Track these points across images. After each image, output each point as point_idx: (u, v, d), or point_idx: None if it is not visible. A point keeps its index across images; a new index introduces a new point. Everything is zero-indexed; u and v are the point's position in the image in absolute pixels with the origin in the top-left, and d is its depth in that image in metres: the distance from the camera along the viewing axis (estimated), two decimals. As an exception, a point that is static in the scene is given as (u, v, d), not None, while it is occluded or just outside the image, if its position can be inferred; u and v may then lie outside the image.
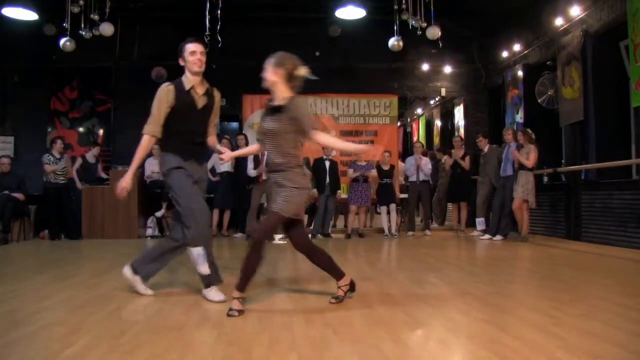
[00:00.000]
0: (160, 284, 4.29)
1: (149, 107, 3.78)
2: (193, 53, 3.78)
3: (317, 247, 3.73)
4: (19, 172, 9.39)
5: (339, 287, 3.69)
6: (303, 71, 3.56)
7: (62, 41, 9.13)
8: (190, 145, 3.85)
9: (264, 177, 8.90)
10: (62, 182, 9.25)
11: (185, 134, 3.80)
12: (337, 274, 3.71)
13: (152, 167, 9.41)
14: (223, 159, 4.00)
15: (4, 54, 10.77)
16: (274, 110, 3.52)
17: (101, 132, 11.34)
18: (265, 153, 9.18)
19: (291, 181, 3.46)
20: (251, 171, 9.12)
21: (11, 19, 9.16)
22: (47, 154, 9.28)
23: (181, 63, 3.83)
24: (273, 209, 3.46)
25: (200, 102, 3.88)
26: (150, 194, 9.53)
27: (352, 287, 3.75)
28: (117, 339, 2.75)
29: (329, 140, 3.93)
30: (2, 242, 8.34)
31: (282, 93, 3.52)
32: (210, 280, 3.79)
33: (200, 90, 3.87)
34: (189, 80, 3.83)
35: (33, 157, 10.73)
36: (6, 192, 8.68)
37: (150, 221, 9.66)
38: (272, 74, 3.52)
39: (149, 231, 9.64)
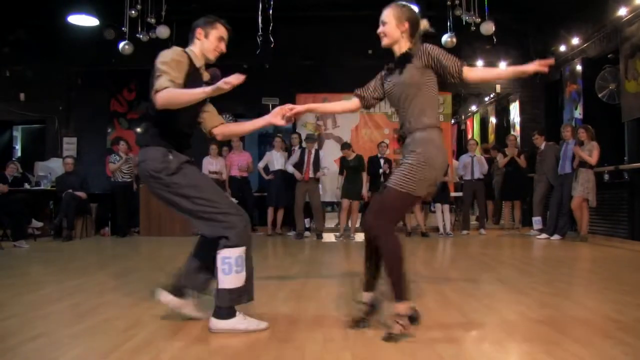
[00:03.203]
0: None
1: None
2: (221, 40, 3.07)
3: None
4: (82, 171, 9.77)
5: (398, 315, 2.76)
6: (425, 24, 3.02)
7: (121, 45, 9.43)
8: (186, 140, 3.08)
9: (310, 175, 8.97)
10: (129, 180, 9.66)
11: (184, 125, 3.02)
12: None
13: (209, 166, 9.64)
14: (291, 109, 3.04)
15: (69, 58, 11.23)
16: (401, 62, 2.92)
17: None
18: (312, 153, 9.41)
19: (424, 149, 2.78)
20: (289, 167, 9.19)
21: (75, 25, 9.56)
22: (113, 154, 9.73)
23: (199, 36, 3.04)
24: (387, 185, 2.81)
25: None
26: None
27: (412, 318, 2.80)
28: (174, 334, 2.83)
29: (488, 74, 3.16)
30: (66, 239, 8.70)
31: (403, 50, 2.95)
32: (242, 298, 2.87)
33: (205, 75, 3.13)
34: (199, 59, 3.04)
35: (94, 157, 11.18)
36: (70, 190, 9.03)
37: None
38: (395, 28, 2.92)
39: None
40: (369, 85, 3.14)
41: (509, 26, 10.75)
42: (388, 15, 2.92)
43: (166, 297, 3.05)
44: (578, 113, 9.80)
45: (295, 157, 9.19)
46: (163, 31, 9.16)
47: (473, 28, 8.90)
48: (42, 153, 11.55)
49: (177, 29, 9.74)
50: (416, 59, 2.87)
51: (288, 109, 3.01)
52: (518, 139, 11.19)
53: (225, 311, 2.81)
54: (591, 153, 7.84)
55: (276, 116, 3.03)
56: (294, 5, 10.22)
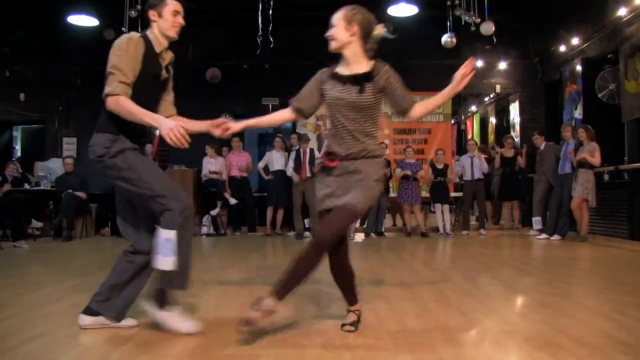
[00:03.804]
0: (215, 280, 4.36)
1: (203, 109, 3.32)
2: (176, 14, 2.91)
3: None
4: (82, 171, 9.76)
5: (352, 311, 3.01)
6: (380, 29, 2.84)
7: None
8: (141, 129, 2.93)
9: (307, 174, 8.97)
10: None
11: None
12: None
13: (209, 166, 9.65)
14: (228, 128, 2.93)
15: (69, 58, 11.22)
16: (358, 79, 2.76)
17: (157, 133, 11.62)
18: (307, 152, 9.43)
19: (375, 172, 2.77)
20: (289, 170, 9.20)
21: (75, 25, 9.56)
22: None
23: (152, 18, 2.92)
24: (348, 203, 2.70)
25: (163, 73, 3.01)
26: (206, 193, 9.74)
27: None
28: (173, 336, 2.82)
29: (429, 106, 2.94)
30: (66, 239, 8.70)
31: (357, 57, 2.80)
32: (173, 283, 2.80)
33: (166, 58, 3.00)
34: (159, 42, 2.92)
35: (93, 157, 11.14)
36: (70, 191, 9.03)
37: (206, 219, 9.86)
38: (343, 31, 2.76)
39: (204, 229, 9.83)
40: (304, 95, 2.92)
41: (509, 26, 10.75)
42: (337, 17, 2.79)
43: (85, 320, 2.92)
44: (578, 113, 9.80)
45: (291, 162, 9.22)
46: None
47: (473, 28, 8.91)
48: (42, 153, 11.55)
49: (177, 29, 9.76)
50: (376, 80, 2.78)
51: (225, 127, 2.92)
52: (517, 140, 11.20)
53: (159, 294, 2.86)
54: (593, 154, 7.84)
55: (214, 128, 2.97)
56: (294, 5, 10.21)
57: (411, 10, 9.11)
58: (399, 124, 11.00)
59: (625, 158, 8.45)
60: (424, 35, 10.57)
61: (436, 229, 9.73)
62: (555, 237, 8.43)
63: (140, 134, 2.94)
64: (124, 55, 2.74)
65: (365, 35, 2.78)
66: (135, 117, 2.70)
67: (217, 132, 2.95)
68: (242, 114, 11.14)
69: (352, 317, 2.95)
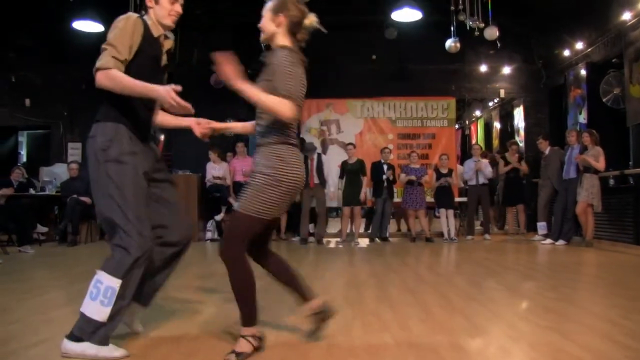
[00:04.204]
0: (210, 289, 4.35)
1: (207, 113, 3.03)
2: (174, 1, 2.74)
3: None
4: (86, 176, 9.76)
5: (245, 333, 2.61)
6: (312, 20, 2.67)
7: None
8: (146, 115, 2.77)
9: (315, 181, 8.99)
10: None
11: (142, 99, 2.63)
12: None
13: (213, 172, 9.66)
14: (208, 128, 2.86)
15: (74, 64, 11.27)
16: (263, 63, 2.63)
17: (162, 137, 11.68)
18: (315, 158, 9.43)
19: (265, 164, 2.54)
20: None
21: (80, 31, 9.61)
22: None
23: (149, 3, 2.73)
24: (236, 209, 2.59)
25: (163, 59, 2.86)
26: (210, 198, 9.74)
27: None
28: (177, 341, 2.82)
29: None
30: (71, 244, 8.71)
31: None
32: (92, 336, 2.46)
33: (166, 44, 2.86)
34: (157, 27, 2.75)
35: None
36: (75, 196, 9.05)
37: (210, 224, 9.86)
38: (269, 22, 2.63)
39: (209, 234, 9.83)
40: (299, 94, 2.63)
41: (513, 31, 10.75)
42: (265, 8, 2.64)
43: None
44: (582, 118, 9.78)
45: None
46: (167, 36, 9.19)
47: (477, 33, 8.90)
48: (47, 158, 11.58)
49: (181, 34, 9.79)
50: (266, 63, 2.59)
51: (205, 127, 2.84)
52: (522, 145, 11.20)
53: (75, 337, 2.48)
54: (597, 159, 7.81)
55: (195, 125, 2.85)
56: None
57: (415, 15, 9.10)
58: (403, 128, 10.98)
59: (630, 163, 8.43)
60: (428, 40, 10.57)
61: (441, 234, 9.71)
62: (560, 242, 8.40)
63: (145, 124, 2.76)
64: (119, 32, 2.55)
65: (293, 25, 2.62)
66: (129, 88, 2.50)
67: (197, 130, 2.84)
68: (246, 119, 11.20)
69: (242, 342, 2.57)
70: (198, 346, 2.72)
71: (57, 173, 10.24)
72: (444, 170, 9.66)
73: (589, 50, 9.65)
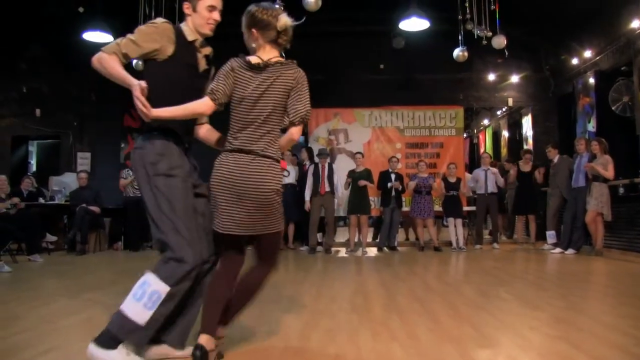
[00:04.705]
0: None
1: (214, 120, 2.92)
2: (212, 9, 2.69)
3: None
4: (95, 186, 9.84)
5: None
6: (284, 21, 2.57)
7: (135, 60, 9.52)
8: (188, 128, 2.75)
9: (326, 189, 8.99)
10: (140, 195, 9.68)
11: (182, 103, 2.52)
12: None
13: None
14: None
15: (83, 74, 11.36)
16: (276, 70, 2.53)
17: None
18: (326, 169, 9.43)
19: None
20: (307, 190, 9.15)
21: (90, 42, 9.70)
22: (126, 169, 9.80)
23: (186, 11, 2.71)
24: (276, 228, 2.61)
25: (202, 64, 2.78)
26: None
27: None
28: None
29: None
30: (80, 253, 8.75)
31: (270, 55, 2.58)
32: (130, 337, 2.38)
33: (204, 50, 2.79)
34: (193, 33, 2.72)
35: (108, 171, 11.26)
36: (84, 205, 9.10)
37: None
38: (248, 40, 2.63)
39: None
40: (219, 88, 2.53)
41: (521, 40, 10.76)
42: (242, 26, 2.63)
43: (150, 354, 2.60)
44: (591, 126, 9.74)
45: (310, 177, 9.17)
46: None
47: (484, 42, 8.90)
48: (57, 168, 11.68)
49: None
50: (292, 75, 2.55)
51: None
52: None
53: (108, 337, 2.38)
54: (606, 167, 7.77)
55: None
56: (306, 20, 10.26)
57: (423, 24, 9.10)
58: (411, 137, 10.98)
59: (640, 171, 8.38)
60: (436, 49, 10.59)
61: (449, 243, 9.68)
62: (570, 251, 8.35)
63: (185, 131, 2.71)
64: (137, 32, 2.58)
65: (271, 36, 2.56)
66: (112, 76, 2.52)
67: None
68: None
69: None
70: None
71: (66, 182, 10.31)
72: (452, 179, 9.63)
73: (598, 58, 9.63)
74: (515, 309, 3.95)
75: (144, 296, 2.39)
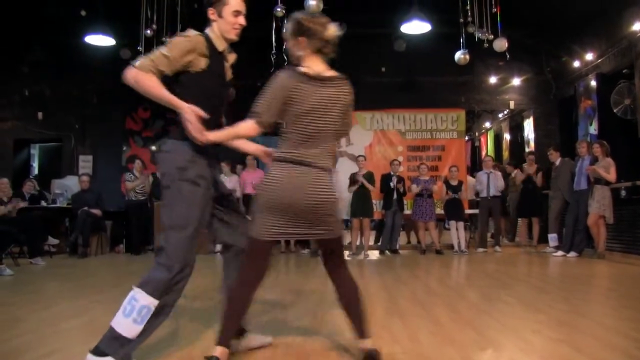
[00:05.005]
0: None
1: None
2: (238, 13, 2.68)
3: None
4: (97, 189, 9.85)
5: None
6: (332, 31, 2.56)
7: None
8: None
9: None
10: (142, 199, 9.70)
11: (212, 114, 2.56)
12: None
13: (226, 184, 9.67)
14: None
15: (85, 77, 11.41)
16: (326, 81, 2.52)
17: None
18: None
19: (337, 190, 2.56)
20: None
21: (92, 45, 9.73)
22: (129, 173, 9.81)
23: (212, 17, 2.68)
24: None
25: (228, 73, 2.81)
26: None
27: None
28: (189, 352, 2.82)
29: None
30: (82, 256, 8.76)
31: (317, 67, 2.55)
32: (118, 352, 2.38)
33: (230, 57, 2.82)
34: (220, 41, 2.70)
35: (110, 174, 11.27)
36: (85, 208, 9.11)
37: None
38: (293, 48, 2.58)
39: (219, 247, 9.83)
40: (265, 109, 2.50)
41: (522, 42, 10.75)
42: (285, 33, 2.62)
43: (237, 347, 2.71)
44: (593, 129, 9.74)
45: None
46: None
47: (486, 45, 8.91)
48: (59, 171, 11.69)
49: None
50: (349, 91, 2.59)
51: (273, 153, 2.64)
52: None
53: (100, 350, 2.39)
54: (608, 170, 7.76)
55: (266, 157, 2.81)
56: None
57: (424, 27, 9.12)
58: (412, 140, 10.98)
59: (642, 174, 8.36)
60: (437, 52, 10.60)
61: (451, 247, 9.66)
62: (572, 254, 8.32)
63: (213, 149, 2.68)
64: (171, 47, 2.52)
65: (318, 45, 2.53)
66: (153, 95, 2.50)
67: (266, 161, 2.76)
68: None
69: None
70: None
71: (68, 185, 10.32)
72: (454, 182, 9.62)
73: (599, 61, 9.63)
74: (518, 312, 3.94)
75: (133, 311, 2.40)
